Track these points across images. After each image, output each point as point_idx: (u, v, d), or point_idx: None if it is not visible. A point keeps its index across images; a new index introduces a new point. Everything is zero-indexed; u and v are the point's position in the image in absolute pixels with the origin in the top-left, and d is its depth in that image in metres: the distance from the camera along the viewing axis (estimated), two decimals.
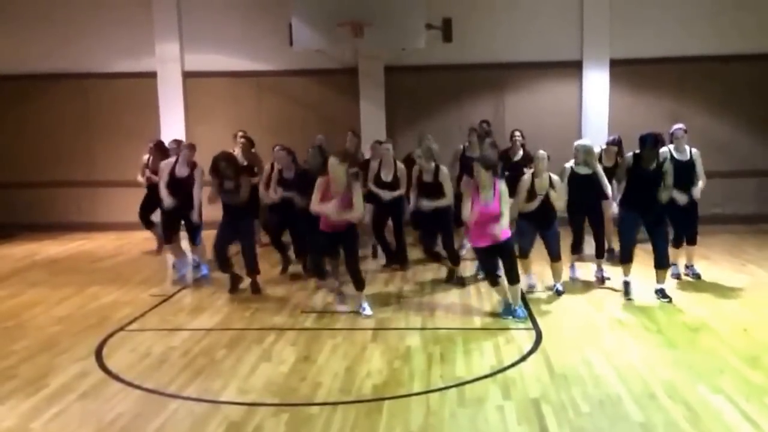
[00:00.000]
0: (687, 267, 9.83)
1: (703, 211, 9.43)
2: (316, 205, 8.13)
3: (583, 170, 9.26)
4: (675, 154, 9.32)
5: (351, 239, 8.30)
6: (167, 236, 10.48)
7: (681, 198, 9.01)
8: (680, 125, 9.54)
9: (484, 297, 8.99)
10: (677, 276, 9.69)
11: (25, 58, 14.73)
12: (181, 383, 6.25)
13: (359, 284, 8.32)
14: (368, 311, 8.25)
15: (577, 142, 9.53)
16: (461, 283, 9.61)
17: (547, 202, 8.68)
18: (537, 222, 8.77)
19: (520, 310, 8.03)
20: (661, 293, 8.66)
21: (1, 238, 13.86)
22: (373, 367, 6.56)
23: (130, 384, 6.24)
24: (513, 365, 6.54)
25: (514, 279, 8.00)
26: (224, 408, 5.70)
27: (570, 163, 9.34)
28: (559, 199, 8.76)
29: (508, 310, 8.04)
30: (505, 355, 6.81)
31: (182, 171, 10.13)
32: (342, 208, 8.02)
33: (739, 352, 6.76)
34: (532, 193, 8.64)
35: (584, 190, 9.21)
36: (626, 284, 8.85)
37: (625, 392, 5.84)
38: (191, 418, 5.54)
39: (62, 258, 12.19)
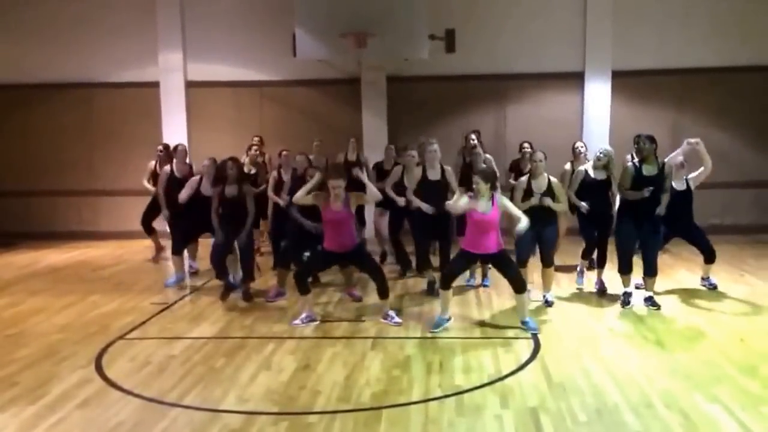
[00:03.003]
0: (703, 279, 9.87)
1: (702, 222, 9.50)
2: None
3: (600, 175, 9.28)
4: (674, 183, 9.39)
5: (363, 256, 8.53)
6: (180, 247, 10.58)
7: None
8: (680, 157, 9.48)
9: (483, 306, 9.03)
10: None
11: (29, 67, 14.84)
12: (181, 391, 6.28)
13: (384, 294, 8.41)
14: (397, 319, 8.28)
15: (603, 147, 9.53)
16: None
17: (543, 206, 8.68)
18: (535, 227, 8.59)
19: (532, 322, 7.93)
20: (650, 301, 8.73)
21: (3, 246, 13.92)
22: (372, 376, 6.59)
23: (130, 392, 6.26)
24: (511, 374, 6.57)
25: (519, 288, 7.94)
26: (224, 416, 5.73)
27: (586, 167, 9.40)
28: (560, 202, 8.74)
29: (438, 322, 8.02)
30: (503, 364, 6.83)
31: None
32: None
33: (736, 362, 6.79)
34: (528, 194, 8.68)
35: (595, 197, 9.24)
36: (627, 294, 8.87)
37: (622, 401, 5.87)
38: (191, 426, 5.57)
39: (63, 266, 12.23)
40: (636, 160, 8.79)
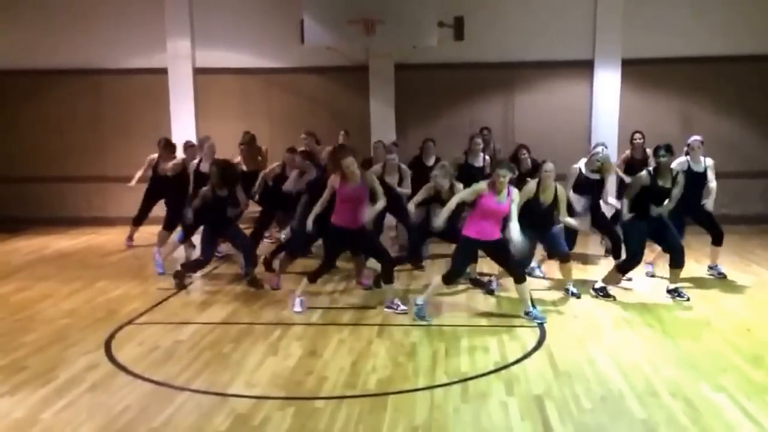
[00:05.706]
0: (710, 267, 9.94)
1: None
2: None
3: (594, 176, 9.24)
4: (692, 165, 9.40)
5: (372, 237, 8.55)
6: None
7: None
8: (697, 137, 9.55)
9: (489, 295, 9.03)
10: (652, 276, 9.81)
11: (38, 54, 14.83)
12: (189, 376, 6.33)
13: (388, 278, 8.39)
14: (403, 307, 8.24)
15: (601, 148, 9.48)
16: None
17: (549, 213, 8.66)
18: (536, 231, 8.65)
19: (535, 312, 7.89)
20: (676, 293, 8.70)
21: (12, 231, 13.96)
22: (378, 362, 6.63)
23: (138, 376, 6.32)
24: (517, 362, 6.60)
25: (518, 278, 7.94)
26: (231, 401, 5.78)
27: (580, 164, 9.39)
28: (564, 214, 8.65)
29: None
30: (509, 352, 6.87)
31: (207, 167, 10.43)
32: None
33: (742, 351, 6.81)
34: (535, 203, 8.55)
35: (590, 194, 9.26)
36: (600, 290, 8.79)
37: (627, 389, 5.90)
38: (198, 410, 5.62)
39: (72, 252, 12.28)
40: (650, 168, 8.73)
